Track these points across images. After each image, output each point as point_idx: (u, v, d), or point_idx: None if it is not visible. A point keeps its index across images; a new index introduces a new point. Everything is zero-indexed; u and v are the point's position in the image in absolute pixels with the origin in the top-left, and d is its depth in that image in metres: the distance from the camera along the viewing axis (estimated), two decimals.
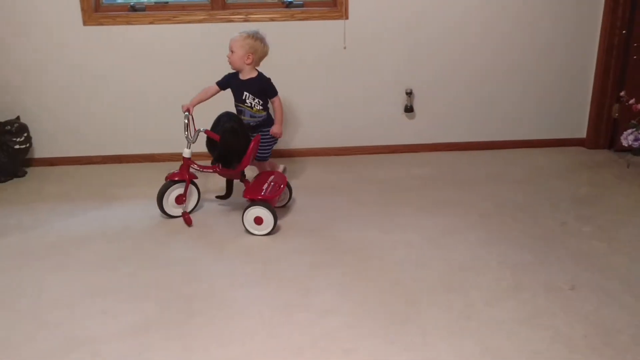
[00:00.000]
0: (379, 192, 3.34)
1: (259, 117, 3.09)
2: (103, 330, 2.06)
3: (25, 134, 3.66)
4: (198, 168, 3.00)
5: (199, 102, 3.02)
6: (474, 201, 3.18)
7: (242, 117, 3.06)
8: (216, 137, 2.85)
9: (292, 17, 3.78)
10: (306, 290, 2.30)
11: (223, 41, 3.71)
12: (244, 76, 3.06)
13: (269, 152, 3.21)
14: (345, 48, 3.85)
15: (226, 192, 3.15)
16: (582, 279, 2.34)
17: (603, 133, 4.09)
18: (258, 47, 3.01)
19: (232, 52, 3.01)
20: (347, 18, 3.78)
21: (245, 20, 3.74)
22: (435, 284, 2.33)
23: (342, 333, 2.02)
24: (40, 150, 3.90)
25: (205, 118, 2.99)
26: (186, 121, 2.90)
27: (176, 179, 2.94)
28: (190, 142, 2.92)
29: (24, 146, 3.64)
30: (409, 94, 3.96)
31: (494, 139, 4.12)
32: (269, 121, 3.14)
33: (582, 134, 4.17)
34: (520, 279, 2.35)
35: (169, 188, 2.94)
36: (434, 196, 3.26)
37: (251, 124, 3.08)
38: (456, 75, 3.97)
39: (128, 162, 3.93)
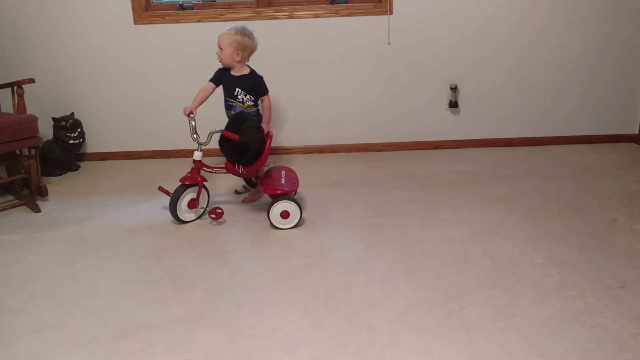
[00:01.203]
0: (422, 188, 3.33)
1: (250, 112, 3.06)
2: (153, 318, 2.13)
3: (79, 130, 3.80)
4: (211, 170, 2.99)
5: (200, 103, 2.99)
6: (520, 197, 3.13)
7: (232, 113, 3.05)
8: (234, 136, 2.83)
9: (337, 14, 3.79)
10: (349, 283, 2.32)
11: (269, 38, 3.78)
12: (235, 72, 3.03)
13: None
14: (389, 43, 3.84)
15: (250, 186, 3.19)
16: (633, 277, 2.28)
17: None
18: (247, 44, 2.96)
19: (221, 49, 2.97)
20: (391, 13, 3.78)
21: (290, 17, 3.78)
22: (479, 279, 2.31)
23: (385, 327, 2.03)
24: (93, 145, 4.05)
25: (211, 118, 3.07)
26: (193, 123, 2.89)
27: (188, 182, 2.90)
28: (201, 144, 2.90)
29: (77, 141, 3.78)
30: (454, 89, 3.92)
31: (541, 135, 4.05)
32: (259, 118, 3.10)
33: (634, 129, 4.05)
34: (567, 276, 2.30)
35: (182, 194, 2.91)
36: (479, 192, 3.23)
37: None
38: (502, 70, 3.92)
39: (176, 157, 4.04)
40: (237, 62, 2.99)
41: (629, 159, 3.72)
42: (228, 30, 2.98)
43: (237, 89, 3.02)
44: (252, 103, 3.06)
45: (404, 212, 3.00)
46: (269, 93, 3.10)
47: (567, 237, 2.65)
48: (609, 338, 1.91)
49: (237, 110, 3.05)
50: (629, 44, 3.87)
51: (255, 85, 3.04)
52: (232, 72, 3.04)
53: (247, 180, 3.26)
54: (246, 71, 3.04)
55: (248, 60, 3.06)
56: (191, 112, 2.92)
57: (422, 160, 3.82)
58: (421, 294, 2.23)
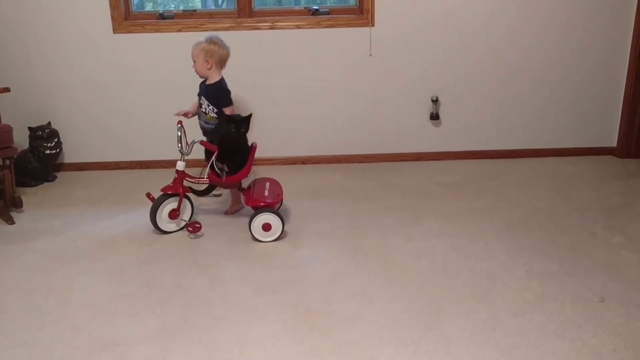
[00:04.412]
0: (403, 200, 3.32)
1: (212, 124, 3.05)
2: (129, 333, 2.08)
3: (56, 140, 3.74)
4: (193, 180, 2.96)
5: (193, 115, 3.10)
6: (501, 210, 3.14)
7: (199, 121, 3.09)
8: (212, 147, 2.81)
9: (319, 25, 3.79)
10: (329, 297, 2.29)
11: (250, 49, 3.78)
12: (208, 82, 3.05)
13: None
14: (371, 55, 3.85)
15: (204, 190, 3.13)
16: (612, 290, 2.29)
17: (634, 142, 4.02)
18: (215, 51, 2.97)
19: (194, 61, 3.01)
20: (373, 25, 3.79)
21: (272, 28, 3.77)
22: (460, 292, 2.30)
23: (365, 341, 2.00)
24: (70, 155, 3.98)
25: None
26: (179, 133, 2.86)
27: (169, 192, 2.88)
28: (183, 154, 2.88)
29: (54, 151, 3.72)
30: (435, 101, 3.93)
31: (521, 147, 4.07)
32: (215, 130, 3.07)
33: (613, 142, 4.09)
34: (547, 290, 2.30)
35: (162, 203, 2.87)
36: (459, 204, 3.23)
37: (206, 129, 3.09)
38: (483, 82, 3.94)
39: (154, 167, 3.99)
40: (208, 69, 2.99)
41: (608, 171, 3.76)
42: (197, 41, 2.99)
43: (203, 98, 3.03)
44: (214, 115, 3.02)
45: (384, 224, 2.99)
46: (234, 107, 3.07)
47: (548, 249, 2.66)
48: (588, 352, 1.91)
49: (202, 120, 3.07)
50: (609, 62, 3.93)
51: (218, 95, 3.02)
52: (207, 82, 3.05)
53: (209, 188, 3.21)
54: (215, 80, 3.03)
55: (221, 67, 3.05)
56: (181, 120, 2.92)
57: (403, 172, 3.82)
58: (401, 307, 2.21)
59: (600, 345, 1.95)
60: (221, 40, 3.01)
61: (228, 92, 3.04)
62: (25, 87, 3.81)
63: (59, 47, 3.78)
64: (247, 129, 2.88)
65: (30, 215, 3.22)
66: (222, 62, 3.03)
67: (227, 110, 3.02)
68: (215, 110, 3.01)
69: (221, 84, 3.04)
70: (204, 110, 3.03)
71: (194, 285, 2.42)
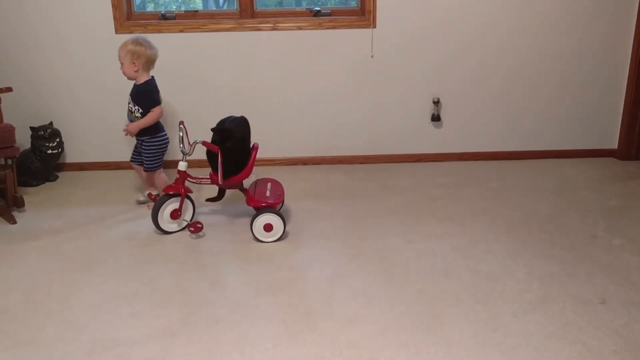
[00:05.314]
0: (404, 201, 3.33)
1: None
2: (129, 333, 2.08)
3: (58, 139, 3.74)
4: (195, 181, 2.96)
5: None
6: (501, 211, 3.14)
7: (128, 120, 3.09)
8: (214, 148, 2.80)
9: (320, 26, 3.79)
10: (330, 298, 2.29)
11: (252, 49, 3.78)
12: (137, 82, 3.04)
13: (154, 162, 3.14)
14: (372, 57, 3.85)
15: (217, 196, 3.12)
16: (612, 292, 2.29)
17: (635, 144, 4.02)
18: (141, 52, 2.95)
19: (121, 63, 2.99)
20: (374, 27, 3.79)
21: (274, 29, 3.77)
22: (461, 294, 2.30)
23: (366, 342, 2.00)
24: (72, 155, 3.99)
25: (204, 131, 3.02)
26: (181, 134, 2.85)
27: (171, 192, 2.87)
28: (185, 154, 2.87)
29: (56, 151, 3.72)
30: (436, 102, 3.94)
31: (522, 149, 4.07)
32: (149, 130, 3.06)
33: (614, 144, 4.09)
34: (548, 291, 2.31)
35: (164, 203, 2.87)
36: (460, 206, 3.23)
37: None
38: (484, 83, 3.94)
39: None
40: (135, 72, 2.98)
41: (608, 173, 3.76)
42: (124, 42, 2.98)
43: (130, 97, 3.04)
44: (139, 115, 3.03)
45: (385, 225, 2.99)
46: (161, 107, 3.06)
47: (548, 251, 2.66)
48: (589, 354, 1.91)
49: (129, 119, 3.08)
50: (610, 64, 3.93)
51: (141, 95, 3.01)
52: (135, 82, 3.05)
53: (219, 192, 3.22)
54: (142, 81, 3.03)
55: (149, 68, 3.04)
56: (182, 121, 2.90)
57: (405, 173, 3.83)
58: (402, 308, 2.21)
59: (601, 346, 1.95)
60: (148, 42, 2.99)
61: (151, 93, 3.02)
62: (27, 87, 3.81)
63: (60, 47, 3.79)
64: (241, 134, 2.86)
65: (32, 215, 3.22)
66: (149, 64, 3.01)
67: (155, 111, 3.01)
68: (140, 110, 3.02)
69: (145, 85, 3.02)
70: (130, 109, 3.05)
71: (194, 285, 2.42)
